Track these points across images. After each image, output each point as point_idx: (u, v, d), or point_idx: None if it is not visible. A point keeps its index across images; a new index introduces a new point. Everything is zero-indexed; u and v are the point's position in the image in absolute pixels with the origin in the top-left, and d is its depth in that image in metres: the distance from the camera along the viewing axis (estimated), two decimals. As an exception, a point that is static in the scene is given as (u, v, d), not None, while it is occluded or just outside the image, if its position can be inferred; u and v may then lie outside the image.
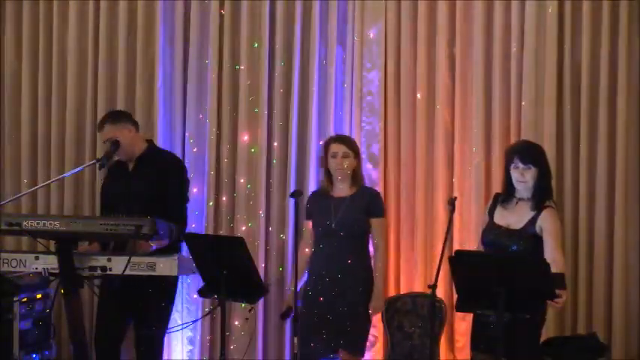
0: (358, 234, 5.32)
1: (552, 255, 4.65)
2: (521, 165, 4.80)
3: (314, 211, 5.40)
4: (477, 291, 4.43)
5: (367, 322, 5.35)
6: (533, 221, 4.78)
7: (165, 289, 5.29)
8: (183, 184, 5.53)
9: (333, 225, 5.26)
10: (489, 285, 4.34)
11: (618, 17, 5.65)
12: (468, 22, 5.89)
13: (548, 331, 5.58)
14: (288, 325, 5.95)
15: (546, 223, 4.76)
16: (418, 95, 5.94)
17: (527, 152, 4.85)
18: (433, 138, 5.93)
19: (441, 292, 5.63)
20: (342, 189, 5.37)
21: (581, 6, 5.70)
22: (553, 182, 5.64)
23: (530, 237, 4.76)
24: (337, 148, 5.37)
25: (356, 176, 5.39)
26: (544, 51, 5.74)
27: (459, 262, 4.51)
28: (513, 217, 4.83)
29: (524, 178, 4.80)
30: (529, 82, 5.76)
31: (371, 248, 5.43)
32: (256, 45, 6.14)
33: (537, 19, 5.76)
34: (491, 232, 4.85)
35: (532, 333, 4.75)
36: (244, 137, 6.15)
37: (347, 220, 5.27)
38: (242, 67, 6.15)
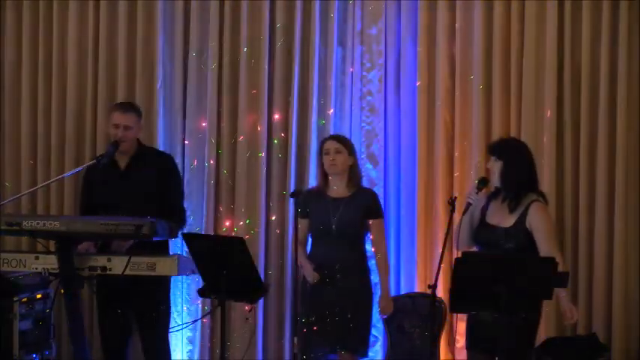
0: (357, 234, 5.31)
1: (546, 252, 4.64)
2: (491, 157, 4.85)
3: (311, 210, 5.36)
4: (477, 291, 4.43)
5: (369, 322, 5.34)
6: (522, 217, 4.76)
7: (159, 286, 5.31)
8: (181, 181, 5.65)
9: (333, 226, 5.25)
10: (493, 286, 4.34)
11: (618, 17, 5.65)
12: (468, 22, 5.89)
13: (548, 331, 5.59)
14: (287, 325, 5.98)
15: (535, 220, 4.72)
16: (418, 95, 5.94)
17: (494, 145, 4.90)
18: (433, 138, 5.94)
19: (440, 292, 5.63)
20: (338, 189, 5.34)
21: (581, 6, 5.71)
22: (553, 182, 5.67)
23: (524, 233, 4.74)
24: (330, 145, 5.34)
25: (353, 176, 5.36)
26: (544, 51, 5.75)
27: (466, 263, 4.51)
28: (503, 215, 4.82)
29: (491, 170, 4.84)
30: (529, 82, 5.77)
31: (368, 248, 5.42)
32: (256, 45, 6.14)
33: (537, 19, 5.76)
34: (485, 231, 4.83)
35: (529, 333, 4.75)
36: (244, 137, 6.15)
37: (347, 220, 5.25)
38: (242, 68, 6.14)
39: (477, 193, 4.77)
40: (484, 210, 4.87)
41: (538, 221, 4.72)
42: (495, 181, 4.82)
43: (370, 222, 5.32)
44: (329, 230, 5.25)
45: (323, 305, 5.21)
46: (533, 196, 4.79)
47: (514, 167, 4.78)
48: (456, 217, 4.79)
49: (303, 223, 5.36)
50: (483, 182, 4.81)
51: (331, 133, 5.97)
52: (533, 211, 4.73)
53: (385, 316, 5.48)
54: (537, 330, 4.86)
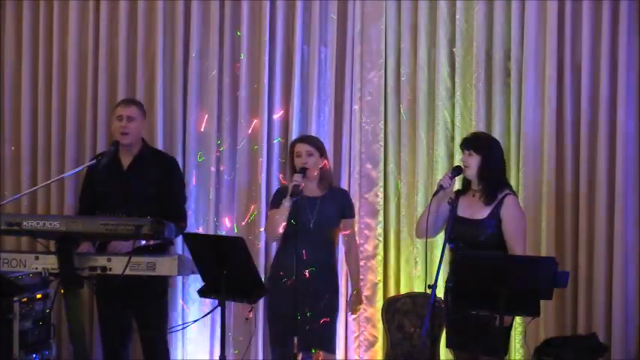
0: (333, 233, 5.34)
1: (513, 246, 4.77)
2: (465, 151, 4.92)
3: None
4: (477, 291, 4.43)
5: (336, 320, 5.40)
6: (497, 209, 4.84)
7: (158, 286, 5.31)
8: (184, 184, 5.64)
9: (311, 224, 5.24)
10: (493, 286, 4.34)
11: (618, 17, 5.65)
12: (468, 22, 5.89)
13: (548, 331, 5.59)
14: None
15: (507, 213, 4.83)
16: (418, 95, 5.94)
17: (470, 139, 4.98)
18: (433, 138, 5.94)
19: (441, 292, 5.63)
20: (311, 189, 5.33)
21: (581, 6, 5.71)
22: (553, 182, 5.68)
23: (496, 225, 4.82)
24: (301, 148, 5.32)
25: (324, 176, 5.36)
26: (544, 51, 5.75)
27: (466, 263, 4.51)
28: (475, 208, 4.89)
29: (466, 164, 4.90)
30: (529, 82, 5.77)
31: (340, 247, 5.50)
32: (256, 45, 6.14)
33: (537, 19, 5.76)
34: (458, 225, 4.86)
35: (506, 328, 4.79)
36: (244, 137, 6.15)
37: (326, 218, 5.27)
38: (242, 67, 6.15)
39: (450, 179, 4.87)
40: (454, 207, 4.91)
41: (511, 214, 4.83)
42: (471, 174, 4.89)
43: (344, 220, 5.36)
44: (306, 228, 5.22)
45: (295, 303, 5.16)
46: (506, 189, 4.91)
47: (493, 163, 4.90)
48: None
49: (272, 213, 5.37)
50: (457, 171, 4.94)
51: (331, 133, 5.98)
52: (509, 204, 4.85)
53: (354, 316, 5.47)
54: (512, 325, 4.96)
